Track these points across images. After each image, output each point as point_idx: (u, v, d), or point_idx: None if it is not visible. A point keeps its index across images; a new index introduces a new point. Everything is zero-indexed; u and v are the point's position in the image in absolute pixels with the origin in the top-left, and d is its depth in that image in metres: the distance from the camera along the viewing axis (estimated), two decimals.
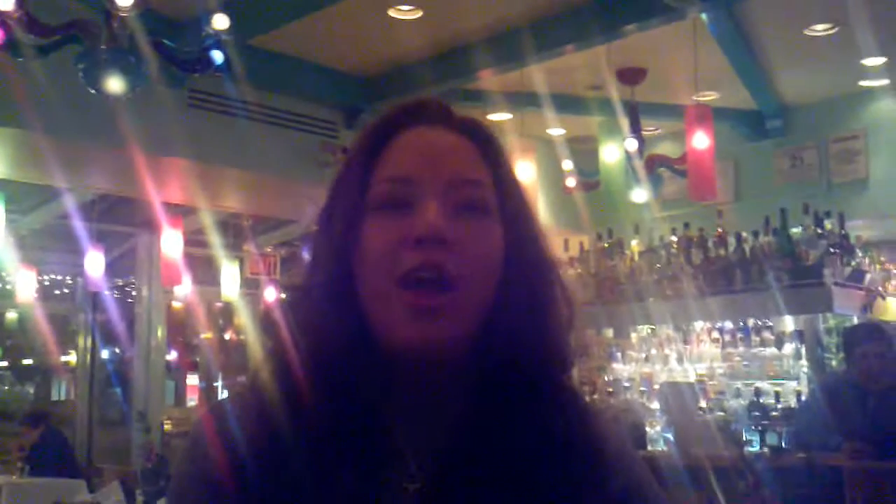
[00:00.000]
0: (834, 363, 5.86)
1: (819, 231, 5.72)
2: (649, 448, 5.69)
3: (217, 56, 4.50)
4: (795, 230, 5.85)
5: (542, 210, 8.16)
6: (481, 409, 0.92)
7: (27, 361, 11.42)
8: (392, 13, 5.88)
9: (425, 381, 0.93)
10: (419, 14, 5.90)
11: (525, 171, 7.09)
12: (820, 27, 6.12)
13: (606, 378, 6.77)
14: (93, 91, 4.29)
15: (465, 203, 0.92)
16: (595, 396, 6.43)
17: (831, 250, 5.62)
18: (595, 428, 0.97)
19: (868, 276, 5.86)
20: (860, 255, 5.92)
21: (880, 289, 6.01)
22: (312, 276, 0.95)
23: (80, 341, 10.66)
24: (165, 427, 9.84)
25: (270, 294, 10.29)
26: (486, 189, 0.95)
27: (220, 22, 4.42)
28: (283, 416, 0.90)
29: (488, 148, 0.98)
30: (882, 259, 6.35)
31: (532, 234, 0.97)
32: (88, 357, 10.54)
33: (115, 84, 4.27)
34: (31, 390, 11.59)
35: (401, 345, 0.90)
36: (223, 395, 11.63)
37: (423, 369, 0.92)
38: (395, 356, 0.91)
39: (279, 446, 0.88)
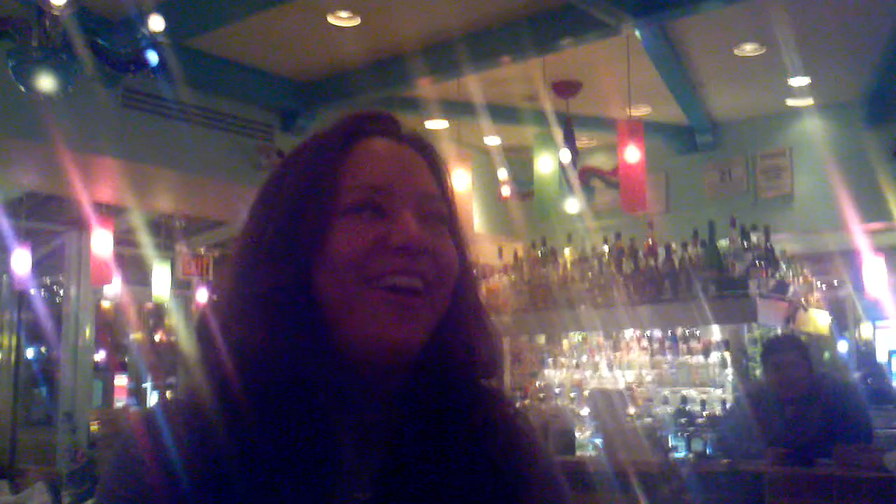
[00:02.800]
0: (758, 372, 6.01)
1: (745, 244, 5.87)
2: (578, 453, 5.77)
3: (152, 57, 4.46)
4: (723, 242, 6.00)
5: (478, 218, 8.23)
6: (420, 419, 0.94)
7: None
8: (331, 19, 5.88)
9: (373, 388, 0.95)
10: (357, 21, 5.90)
11: (461, 178, 7.14)
12: (749, 47, 6.29)
13: (538, 384, 6.85)
14: (24, 89, 4.21)
15: (430, 214, 0.96)
16: (526, 402, 6.50)
17: (757, 263, 5.77)
18: (523, 444, 1.01)
19: (791, 289, 6.03)
20: (784, 267, 6.09)
21: (802, 301, 6.19)
22: (255, 277, 0.93)
23: (4, 340, 10.39)
24: (92, 428, 9.64)
25: (203, 295, 10.19)
26: (442, 202, 0.99)
27: (156, 23, 4.38)
28: (223, 426, 0.88)
29: (434, 162, 1.02)
30: (805, 272, 6.54)
31: (467, 244, 1.02)
32: (13, 356, 10.28)
33: (46, 82, 4.21)
34: None
35: (373, 345, 0.92)
36: (152, 397, 11.45)
37: (376, 376, 0.94)
38: (354, 360, 0.92)
39: (217, 458, 0.87)
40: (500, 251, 7.05)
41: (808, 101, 7.25)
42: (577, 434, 5.98)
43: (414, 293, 0.92)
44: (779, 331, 5.80)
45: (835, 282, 7.86)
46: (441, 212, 0.98)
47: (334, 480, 0.89)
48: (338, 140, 0.98)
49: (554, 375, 6.88)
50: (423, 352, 0.94)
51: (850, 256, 7.58)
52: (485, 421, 0.97)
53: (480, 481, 0.93)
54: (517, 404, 1.09)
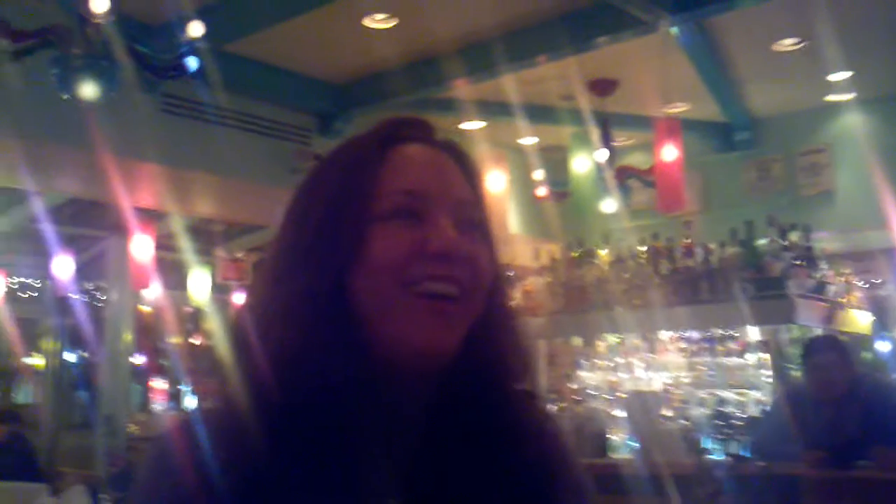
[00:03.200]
0: (796, 373, 5.94)
1: (784, 243, 5.80)
2: (612, 455, 5.74)
3: (191, 62, 4.50)
4: (761, 242, 5.94)
5: (514, 218, 8.22)
6: (451, 424, 0.95)
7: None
8: (366, 22, 5.91)
9: (405, 392, 0.95)
10: (393, 23, 5.93)
11: (497, 179, 7.14)
12: (787, 42, 6.22)
13: (573, 386, 6.82)
14: (66, 97, 4.27)
15: (466, 221, 0.97)
16: (561, 404, 6.48)
17: (796, 262, 5.70)
18: (553, 450, 1.01)
19: (831, 288, 5.95)
20: (824, 267, 6.01)
21: (843, 300, 6.11)
22: (292, 281, 0.94)
23: (47, 344, 10.56)
24: (130, 431, 9.75)
25: (241, 299, 10.27)
26: (476, 208, 1.00)
27: (195, 29, 4.43)
28: (258, 430, 0.89)
29: (468, 167, 1.03)
30: (845, 271, 6.45)
31: (499, 250, 1.02)
32: (55, 360, 10.44)
33: (88, 90, 4.26)
34: None
35: (408, 350, 0.92)
36: (190, 401, 11.56)
37: (409, 380, 0.95)
38: (387, 365, 0.93)
39: (252, 463, 0.87)
40: (536, 252, 7.03)
41: (849, 96, 7.16)
42: (611, 436, 5.96)
43: (451, 300, 0.93)
44: (818, 331, 5.73)
45: (876, 280, 7.74)
46: (475, 218, 0.99)
47: (366, 485, 0.89)
48: (374, 145, 0.99)
49: (589, 377, 6.85)
50: (456, 357, 0.95)
51: (893, 254, 7.46)
52: (515, 426, 0.97)
53: (510, 487, 0.94)
54: (550, 408, 1.09)
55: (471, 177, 1.02)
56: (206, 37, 4.47)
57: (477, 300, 0.96)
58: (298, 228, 0.97)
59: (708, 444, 5.48)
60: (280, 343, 0.91)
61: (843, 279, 6.29)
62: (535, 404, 1.03)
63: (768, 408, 5.52)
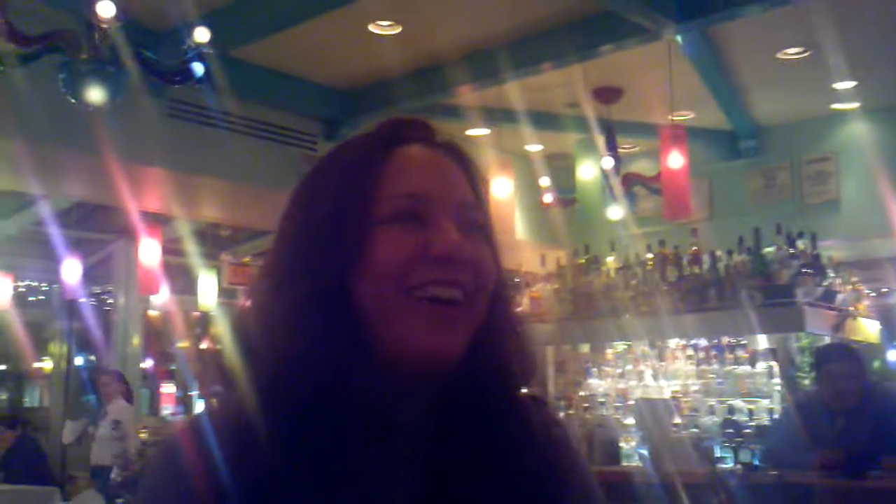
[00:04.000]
0: (807, 382, 5.91)
1: (792, 251, 5.78)
2: (623, 463, 5.72)
3: (198, 68, 4.50)
4: (769, 249, 5.91)
5: (520, 225, 8.21)
6: (455, 429, 0.94)
7: (1, 367, 11.33)
8: (372, 28, 5.92)
9: (408, 398, 0.95)
10: (399, 30, 5.94)
11: (503, 186, 7.14)
12: (792, 51, 6.22)
13: (582, 393, 6.80)
14: (73, 101, 4.29)
15: (468, 223, 0.96)
16: (570, 411, 6.46)
17: (804, 270, 5.68)
18: (560, 455, 1.00)
19: (839, 297, 5.92)
20: (832, 275, 5.98)
21: (851, 309, 6.08)
22: (293, 284, 0.92)
23: (56, 348, 10.59)
24: (140, 436, 9.77)
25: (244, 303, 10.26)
26: (479, 210, 0.99)
27: (202, 35, 4.44)
28: (263, 433, 0.88)
29: (470, 170, 1.01)
30: (853, 279, 6.42)
31: (502, 253, 1.01)
32: (64, 364, 10.47)
33: (95, 94, 4.27)
34: (4, 396, 11.49)
35: (412, 355, 0.91)
36: (198, 405, 11.57)
37: (412, 386, 0.94)
38: (390, 369, 0.92)
39: (259, 466, 0.87)
40: (543, 259, 7.02)
41: (854, 105, 7.15)
42: (621, 444, 5.93)
43: (454, 304, 0.92)
44: (827, 339, 5.70)
45: (884, 289, 7.71)
46: (478, 220, 0.97)
47: (372, 489, 0.89)
48: (374, 147, 0.97)
49: (598, 385, 6.82)
50: (460, 362, 0.93)
51: None
52: (521, 432, 0.96)
53: (515, 494, 0.93)
54: (558, 414, 1.08)
55: (473, 178, 1.00)
56: (212, 42, 4.47)
57: (480, 304, 0.95)
58: (299, 231, 0.96)
59: (719, 452, 5.44)
60: (283, 347, 0.91)
61: (850, 287, 6.26)
62: (542, 410, 1.02)
63: (778, 416, 5.49)
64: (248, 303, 0.99)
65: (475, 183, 1.00)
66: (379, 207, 0.93)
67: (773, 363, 6.00)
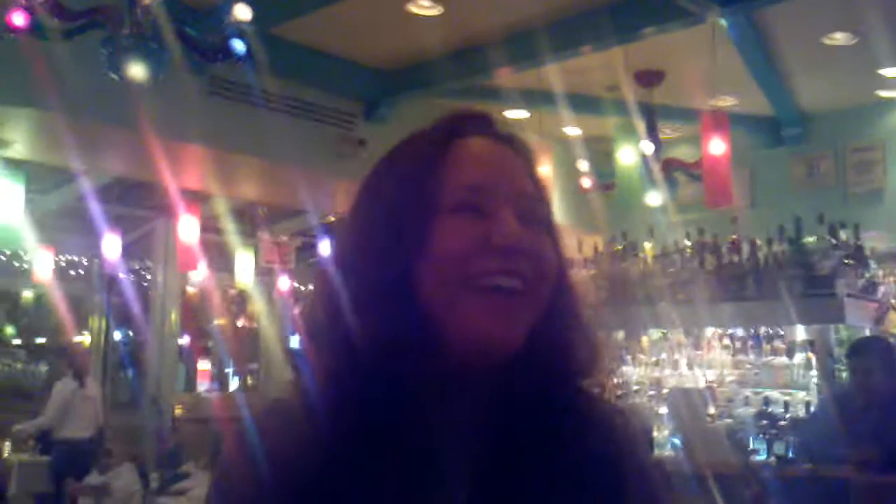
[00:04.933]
0: (844, 374, 5.83)
1: (833, 241, 5.69)
2: (656, 452, 5.69)
3: (238, 46, 4.53)
4: (810, 239, 5.82)
5: (557, 210, 8.15)
6: (515, 419, 0.95)
7: (41, 340, 11.52)
8: (412, 8, 5.90)
9: (470, 386, 0.96)
10: (439, 10, 5.91)
11: (542, 169, 7.09)
12: (839, 36, 6.10)
13: (616, 381, 6.76)
14: (115, 77, 4.32)
15: (528, 214, 0.97)
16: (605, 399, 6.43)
17: (845, 261, 5.59)
18: (622, 446, 1.01)
19: (881, 289, 5.83)
20: (874, 266, 5.88)
21: (893, 301, 5.98)
22: (359, 275, 0.95)
23: (94, 323, 10.75)
24: (176, 411, 9.91)
25: (284, 283, 10.36)
26: (539, 202, 1.00)
27: (242, 12, 4.45)
28: (328, 423, 0.91)
29: (528, 161, 1.03)
30: None
31: (562, 245, 1.03)
32: (102, 339, 10.63)
33: (137, 71, 4.31)
34: (44, 368, 11.68)
35: (473, 344, 0.93)
36: (234, 382, 11.71)
37: (474, 374, 0.95)
38: (452, 358, 0.93)
39: (322, 456, 0.90)
40: (580, 244, 6.97)
41: None
42: (655, 433, 5.90)
43: (515, 294, 0.93)
44: (867, 332, 5.61)
45: None
46: (538, 211, 0.99)
47: (435, 480, 0.91)
48: (438, 140, 1.00)
49: (632, 373, 6.79)
50: (521, 352, 0.94)
51: None
52: (582, 422, 0.98)
53: (579, 485, 0.94)
54: (624, 403, 1.08)
55: (532, 170, 1.03)
56: (253, 20, 4.49)
57: (541, 294, 0.96)
58: (365, 222, 0.98)
59: (753, 444, 5.39)
60: (349, 336, 0.93)
61: (893, 279, 6.16)
62: (604, 399, 1.04)
63: (814, 409, 5.43)
64: (318, 289, 1.00)
65: (535, 175, 1.03)
66: (442, 199, 0.95)
67: (811, 355, 5.93)
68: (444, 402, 0.94)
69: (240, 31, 4.51)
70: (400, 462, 0.89)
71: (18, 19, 4.10)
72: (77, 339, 10.82)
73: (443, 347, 0.93)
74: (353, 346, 0.92)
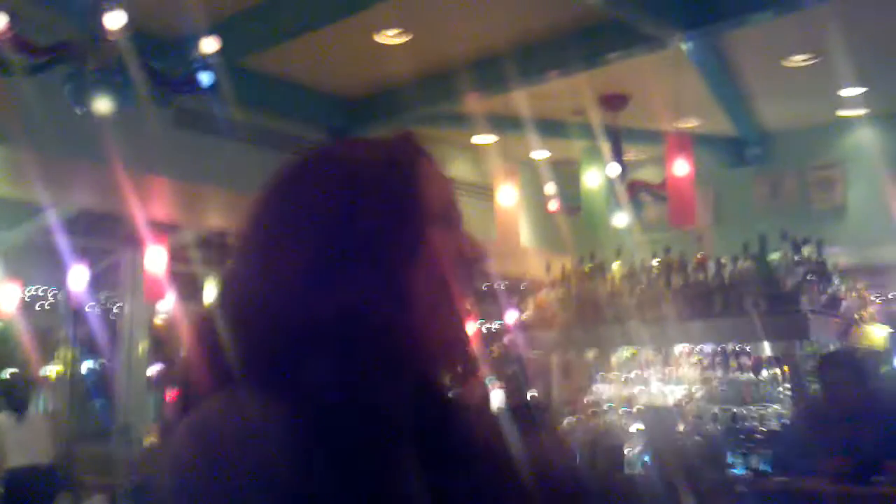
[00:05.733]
0: (815, 387, 5.88)
1: (797, 258, 5.76)
2: (629, 469, 5.70)
3: (204, 78, 4.52)
4: (774, 256, 5.89)
5: (526, 232, 8.21)
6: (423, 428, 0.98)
7: (6, 374, 11.34)
8: (379, 38, 5.94)
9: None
10: (406, 38, 5.95)
11: (509, 193, 7.15)
12: (799, 58, 6.21)
13: (587, 399, 6.78)
14: (80, 111, 4.31)
15: None
16: (575, 417, 6.45)
17: (808, 277, 5.66)
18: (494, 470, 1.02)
19: (844, 304, 5.90)
20: (837, 282, 5.95)
21: (856, 316, 6.06)
22: (339, 287, 0.92)
23: (63, 354, 10.61)
24: (147, 441, 9.77)
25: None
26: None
27: (209, 45, 4.45)
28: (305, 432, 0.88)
29: None
30: (859, 286, 6.40)
31: None
32: (70, 370, 10.48)
33: (102, 104, 4.29)
34: None
35: (453, 345, 0.99)
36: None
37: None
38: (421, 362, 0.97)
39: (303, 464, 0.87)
40: (548, 266, 7.01)
41: (862, 112, 7.14)
42: (628, 450, 5.92)
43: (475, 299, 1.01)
44: (832, 347, 5.68)
45: (891, 295, 7.69)
46: None
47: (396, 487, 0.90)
48: (414, 154, 1.02)
49: (603, 391, 6.81)
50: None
51: None
52: (463, 438, 1.00)
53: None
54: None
55: None
56: (219, 52, 4.49)
57: None
58: (345, 231, 0.94)
59: (728, 458, 5.43)
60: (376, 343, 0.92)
61: (856, 294, 6.24)
62: (488, 418, 1.07)
63: (788, 422, 5.48)
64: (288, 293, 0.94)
65: None
66: (429, 211, 0.98)
67: (777, 371, 5.98)
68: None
69: (206, 63, 4.50)
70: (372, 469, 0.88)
71: None
72: (44, 371, 10.68)
73: (426, 349, 0.96)
74: (352, 350, 0.90)
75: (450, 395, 1.03)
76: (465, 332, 0.99)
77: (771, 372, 6.02)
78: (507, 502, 1.00)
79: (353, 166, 1.00)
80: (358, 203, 0.95)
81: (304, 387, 0.88)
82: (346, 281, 0.92)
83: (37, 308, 10.37)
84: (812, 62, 6.25)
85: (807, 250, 5.83)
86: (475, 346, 1.01)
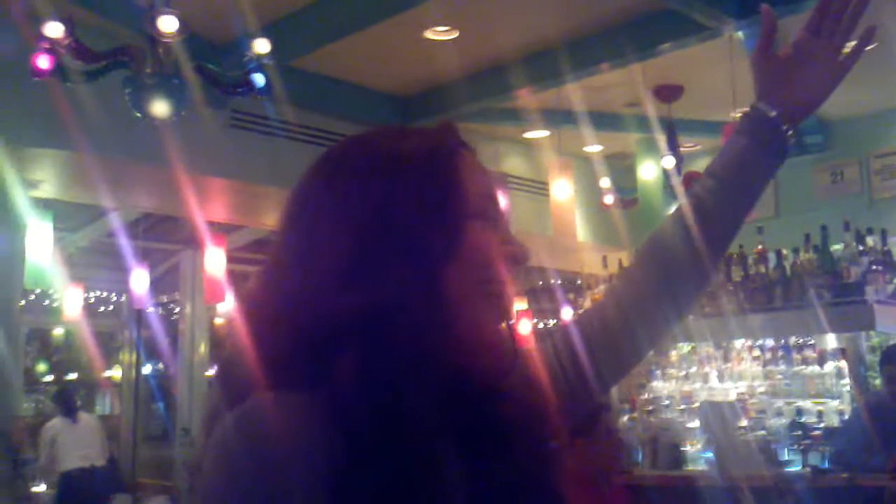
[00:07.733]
0: (877, 382, 5.77)
1: (861, 248, 5.65)
2: (688, 467, 5.64)
3: (258, 79, 4.58)
4: (837, 247, 5.78)
5: (581, 227, 8.16)
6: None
7: (72, 376, 11.61)
8: (428, 34, 5.95)
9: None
10: (455, 34, 5.96)
11: (563, 187, 7.11)
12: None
13: (646, 396, 6.73)
14: (139, 115, 4.39)
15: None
16: (634, 415, 6.40)
17: (873, 267, 5.55)
18: None
19: None
20: None
21: None
22: (376, 281, 0.90)
23: (125, 357, 10.83)
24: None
25: None
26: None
27: (262, 46, 4.51)
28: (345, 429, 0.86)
29: None
30: None
31: None
32: (133, 372, 10.71)
33: (160, 108, 4.37)
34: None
35: (489, 344, 0.96)
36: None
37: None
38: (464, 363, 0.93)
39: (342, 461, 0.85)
40: (605, 260, 6.96)
41: None
42: (686, 448, 5.85)
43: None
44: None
45: None
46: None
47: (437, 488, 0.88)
48: (455, 146, 1.00)
49: (662, 387, 6.74)
50: None
51: None
52: None
53: None
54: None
55: None
56: (272, 53, 4.54)
57: None
58: (381, 224, 0.93)
59: (787, 455, 5.34)
60: (408, 340, 0.89)
61: None
62: None
63: (848, 417, 5.37)
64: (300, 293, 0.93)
65: None
66: (469, 205, 0.96)
67: (842, 363, 5.87)
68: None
69: (259, 64, 4.56)
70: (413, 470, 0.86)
71: (43, 63, 4.17)
72: (107, 373, 10.91)
73: (463, 347, 0.92)
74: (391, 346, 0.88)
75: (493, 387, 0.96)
76: (501, 331, 0.97)
77: (836, 364, 5.90)
78: (543, 479, 0.98)
79: (389, 156, 0.98)
80: (393, 194, 0.94)
81: (335, 384, 0.87)
82: (378, 276, 0.90)
83: (100, 310, 10.62)
84: (872, 46, 6.09)
85: (871, 240, 5.71)
86: (522, 344, 0.98)
